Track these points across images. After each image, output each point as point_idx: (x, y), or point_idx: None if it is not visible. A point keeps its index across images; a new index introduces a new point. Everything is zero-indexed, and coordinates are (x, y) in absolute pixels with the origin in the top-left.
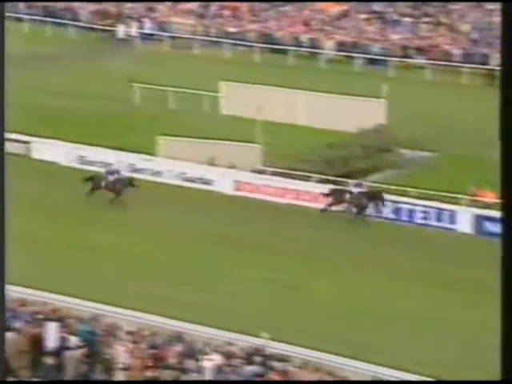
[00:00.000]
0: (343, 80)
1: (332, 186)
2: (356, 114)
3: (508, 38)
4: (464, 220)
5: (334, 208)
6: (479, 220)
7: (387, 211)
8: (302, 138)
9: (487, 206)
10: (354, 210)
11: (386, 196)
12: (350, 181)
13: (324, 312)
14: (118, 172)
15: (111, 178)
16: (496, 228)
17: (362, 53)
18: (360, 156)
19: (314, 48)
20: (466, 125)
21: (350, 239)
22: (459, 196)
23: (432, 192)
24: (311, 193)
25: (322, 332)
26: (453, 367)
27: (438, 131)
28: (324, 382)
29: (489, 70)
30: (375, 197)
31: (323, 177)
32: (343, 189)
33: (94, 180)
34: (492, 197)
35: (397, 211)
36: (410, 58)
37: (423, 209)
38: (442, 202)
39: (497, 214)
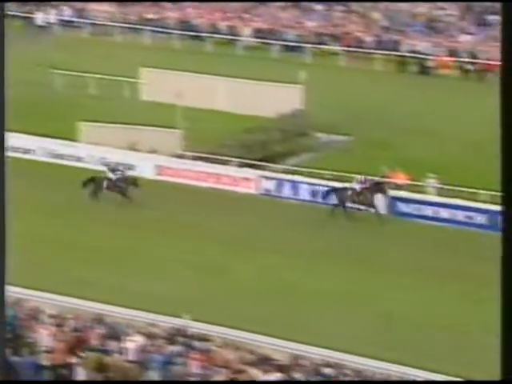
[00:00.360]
0: (261, 66)
1: (334, 185)
2: (274, 99)
3: (508, 38)
4: (377, 201)
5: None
6: (392, 201)
7: (304, 193)
8: (222, 123)
9: (399, 187)
10: (361, 207)
11: (303, 179)
12: (270, 164)
13: (245, 293)
14: (120, 171)
15: (113, 177)
16: (408, 208)
17: (278, 40)
18: (278, 140)
19: (232, 35)
20: (380, 109)
21: (268, 222)
22: (373, 178)
23: (347, 174)
24: (232, 177)
25: (243, 312)
26: (372, 344)
27: (353, 116)
28: (325, 382)
29: (400, 56)
30: (378, 190)
31: (243, 161)
32: (345, 187)
33: (95, 181)
34: (403, 178)
35: (313, 193)
36: (325, 44)
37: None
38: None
39: (409, 194)
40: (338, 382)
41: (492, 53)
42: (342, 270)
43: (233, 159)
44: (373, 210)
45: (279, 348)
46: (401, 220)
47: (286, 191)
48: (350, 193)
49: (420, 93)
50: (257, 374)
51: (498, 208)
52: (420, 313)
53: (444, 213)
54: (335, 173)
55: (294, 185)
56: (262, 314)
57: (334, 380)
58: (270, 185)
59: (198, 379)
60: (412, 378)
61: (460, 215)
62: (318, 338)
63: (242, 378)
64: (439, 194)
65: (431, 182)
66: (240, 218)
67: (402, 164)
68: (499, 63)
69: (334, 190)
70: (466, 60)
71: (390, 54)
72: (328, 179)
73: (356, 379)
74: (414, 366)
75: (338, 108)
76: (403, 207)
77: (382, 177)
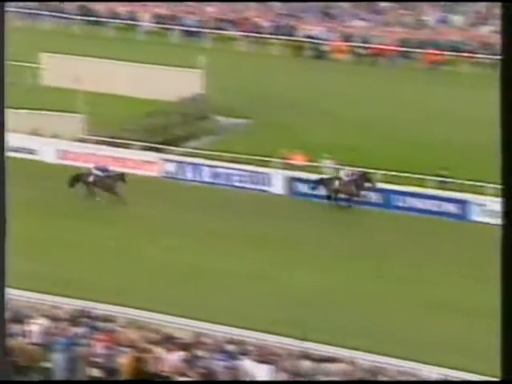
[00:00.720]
0: (161, 51)
1: (319, 176)
2: (175, 84)
3: (508, 38)
4: (277, 182)
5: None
6: (291, 182)
7: (205, 175)
8: (124, 107)
9: (298, 168)
10: (345, 197)
11: (204, 161)
12: (171, 148)
13: (149, 274)
14: (106, 170)
15: (100, 174)
16: (306, 189)
17: (178, 25)
18: (179, 124)
19: (132, 20)
20: (278, 93)
21: (171, 204)
22: (272, 160)
23: (247, 156)
24: (134, 160)
25: (147, 293)
26: (275, 321)
27: (253, 99)
28: (325, 382)
29: (296, 41)
30: (365, 181)
31: (145, 144)
32: (332, 177)
33: (80, 178)
34: (302, 159)
35: (214, 176)
36: (224, 30)
37: (239, 172)
38: (257, 165)
39: (307, 175)
40: (338, 382)
41: (383, 38)
42: (243, 251)
43: (135, 143)
44: (357, 201)
45: (182, 327)
46: (300, 200)
47: (188, 174)
48: (337, 184)
49: (316, 76)
50: (161, 352)
51: (390, 187)
52: (321, 290)
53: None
54: (236, 155)
55: (196, 167)
56: (166, 295)
57: (335, 380)
58: (171, 167)
59: (103, 360)
60: (315, 352)
61: None
62: (221, 317)
63: (146, 357)
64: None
65: (328, 162)
66: (143, 201)
67: (301, 146)
68: (393, 48)
69: (322, 181)
70: (359, 45)
71: (286, 39)
72: (229, 161)
73: (263, 355)
74: (317, 342)
75: (237, 92)
76: (301, 187)
77: (282, 158)
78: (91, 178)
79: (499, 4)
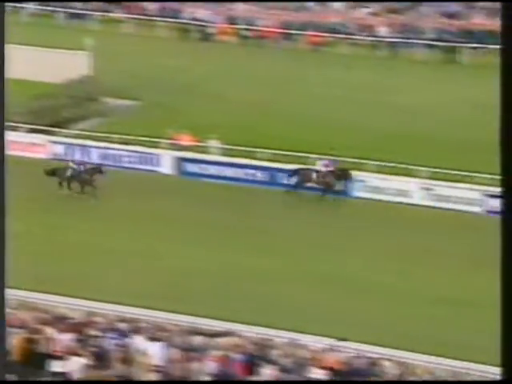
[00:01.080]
0: (47, 33)
1: (298, 166)
2: (62, 66)
3: (508, 38)
4: (166, 162)
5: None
6: (179, 162)
7: (94, 157)
8: (10, 90)
9: (186, 148)
10: (321, 188)
11: (92, 143)
12: (59, 130)
13: (36, 255)
14: (83, 163)
15: (78, 168)
16: (194, 168)
17: (64, 7)
18: (67, 106)
19: (16, 2)
20: (165, 75)
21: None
22: (161, 141)
23: (136, 138)
24: (21, 143)
25: (36, 273)
26: (158, 298)
27: (141, 81)
28: (329, 381)
29: (182, 23)
30: (343, 175)
31: (32, 127)
32: (310, 168)
33: (58, 172)
34: (188, 140)
35: (103, 157)
36: (110, 12)
37: (128, 154)
38: (146, 146)
39: (195, 155)
40: (338, 382)
41: (267, 20)
42: (133, 229)
43: (22, 125)
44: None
45: (74, 307)
46: (189, 180)
47: (77, 156)
48: (314, 174)
49: (203, 59)
50: (52, 332)
51: (276, 165)
52: (206, 266)
53: (228, 171)
54: (124, 136)
55: (84, 149)
56: (55, 274)
57: (335, 380)
58: (60, 149)
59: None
60: (202, 325)
61: (241, 173)
62: (112, 295)
63: (38, 337)
64: (223, 154)
65: (214, 142)
66: (30, 182)
67: (189, 127)
68: (276, 30)
69: (299, 171)
70: (244, 27)
71: (173, 22)
72: (118, 143)
73: (155, 332)
74: (203, 316)
75: (125, 74)
76: (190, 167)
77: (170, 139)
78: (69, 173)
79: None
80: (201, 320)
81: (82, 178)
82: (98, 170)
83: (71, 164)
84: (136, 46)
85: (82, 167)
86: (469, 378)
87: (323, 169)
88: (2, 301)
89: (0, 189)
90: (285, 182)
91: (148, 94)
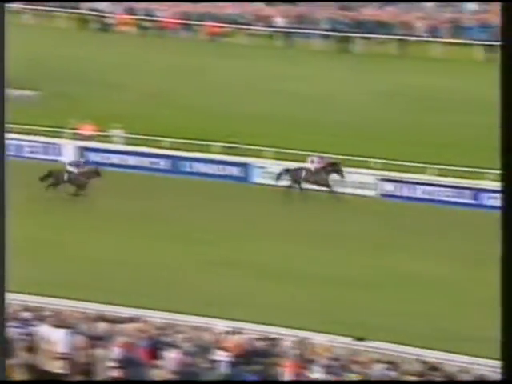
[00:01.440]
0: None
1: (286, 166)
2: None
3: (508, 38)
4: (68, 152)
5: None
6: (81, 151)
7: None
8: None
9: (87, 138)
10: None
11: None
12: None
13: None
14: (80, 165)
15: (75, 170)
16: (97, 157)
17: None
18: None
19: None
20: (66, 65)
21: None
22: (63, 130)
23: (37, 128)
24: None
25: None
26: (65, 287)
27: (41, 71)
28: (328, 382)
29: (80, 14)
30: (334, 170)
31: None
32: (300, 167)
33: (54, 175)
34: (91, 129)
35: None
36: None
37: (30, 144)
38: (48, 136)
39: (97, 144)
40: (339, 382)
41: (165, 11)
42: (35, 217)
43: None
44: (327, 190)
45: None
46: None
47: None
48: (304, 173)
49: (103, 49)
50: None
51: (178, 153)
52: (114, 252)
53: (131, 160)
54: (26, 126)
55: None
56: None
57: (336, 380)
58: None
59: None
60: (109, 313)
61: (146, 161)
62: (14, 285)
63: None
64: (126, 143)
65: (117, 132)
66: None
67: (90, 116)
68: (175, 21)
69: (288, 170)
70: (143, 18)
71: (71, 12)
72: (19, 133)
73: (60, 320)
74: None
75: (25, 64)
76: (93, 156)
77: (72, 129)
78: (65, 176)
79: None
80: (105, 307)
81: (79, 181)
82: (95, 171)
83: (68, 167)
84: (35, 36)
85: (78, 169)
86: (368, 356)
87: (312, 166)
88: (2, 303)
89: (0, 189)
90: (187, 169)
91: (48, 84)
